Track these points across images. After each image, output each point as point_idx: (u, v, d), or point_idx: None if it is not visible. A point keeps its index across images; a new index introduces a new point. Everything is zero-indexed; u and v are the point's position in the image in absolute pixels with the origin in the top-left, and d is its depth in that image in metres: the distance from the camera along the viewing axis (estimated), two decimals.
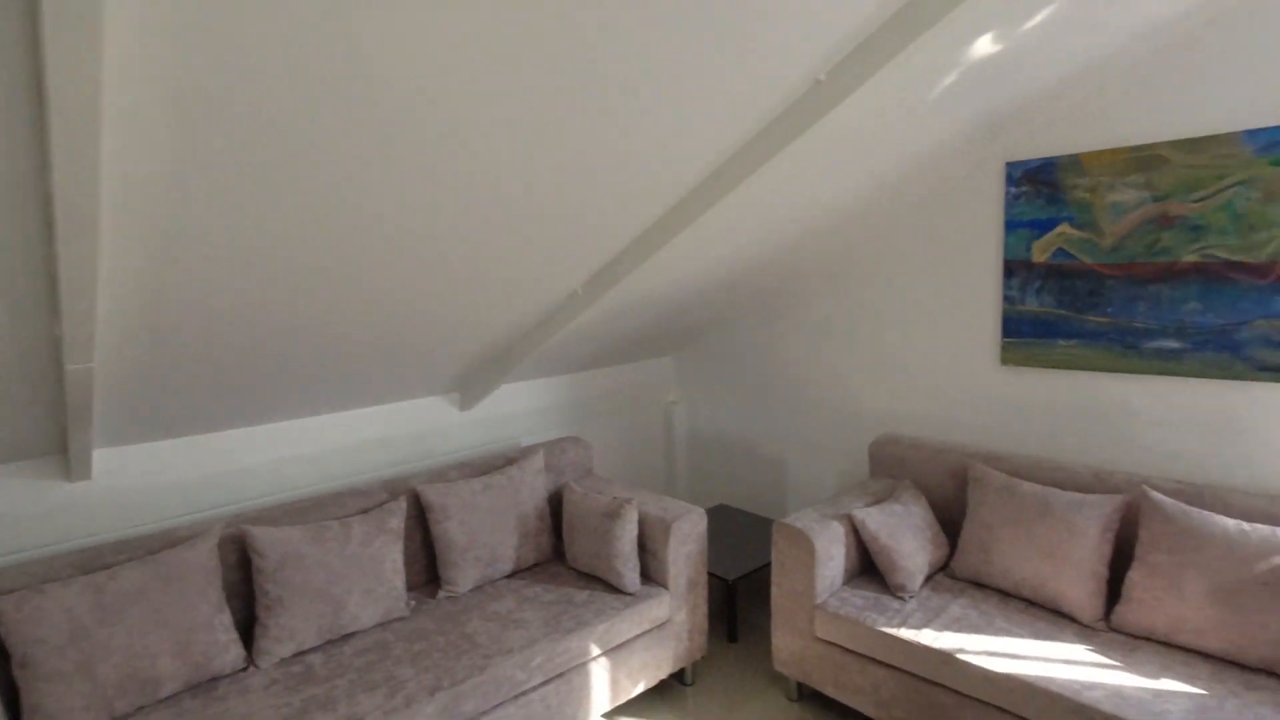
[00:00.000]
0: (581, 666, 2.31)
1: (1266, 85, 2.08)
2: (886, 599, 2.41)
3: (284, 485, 2.62)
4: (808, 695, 2.65)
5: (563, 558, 2.81)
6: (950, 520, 2.73)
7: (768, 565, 3.06)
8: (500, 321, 2.49)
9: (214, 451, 2.45)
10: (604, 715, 2.56)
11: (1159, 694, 1.87)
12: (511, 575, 2.65)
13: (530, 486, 2.73)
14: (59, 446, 2.12)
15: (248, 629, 2.23)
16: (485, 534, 2.55)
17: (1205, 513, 2.10)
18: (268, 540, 2.17)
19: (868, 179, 2.41)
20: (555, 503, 2.92)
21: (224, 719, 1.86)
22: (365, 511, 2.45)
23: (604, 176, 1.80)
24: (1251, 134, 2.10)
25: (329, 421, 2.70)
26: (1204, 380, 2.29)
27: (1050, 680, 1.95)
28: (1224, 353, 2.23)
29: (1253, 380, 2.19)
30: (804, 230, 2.69)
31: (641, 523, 2.61)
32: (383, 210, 1.60)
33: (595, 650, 2.33)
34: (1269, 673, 1.93)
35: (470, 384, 3.01)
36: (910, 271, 2.95)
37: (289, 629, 2.13)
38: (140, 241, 1.39)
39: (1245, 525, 2.03)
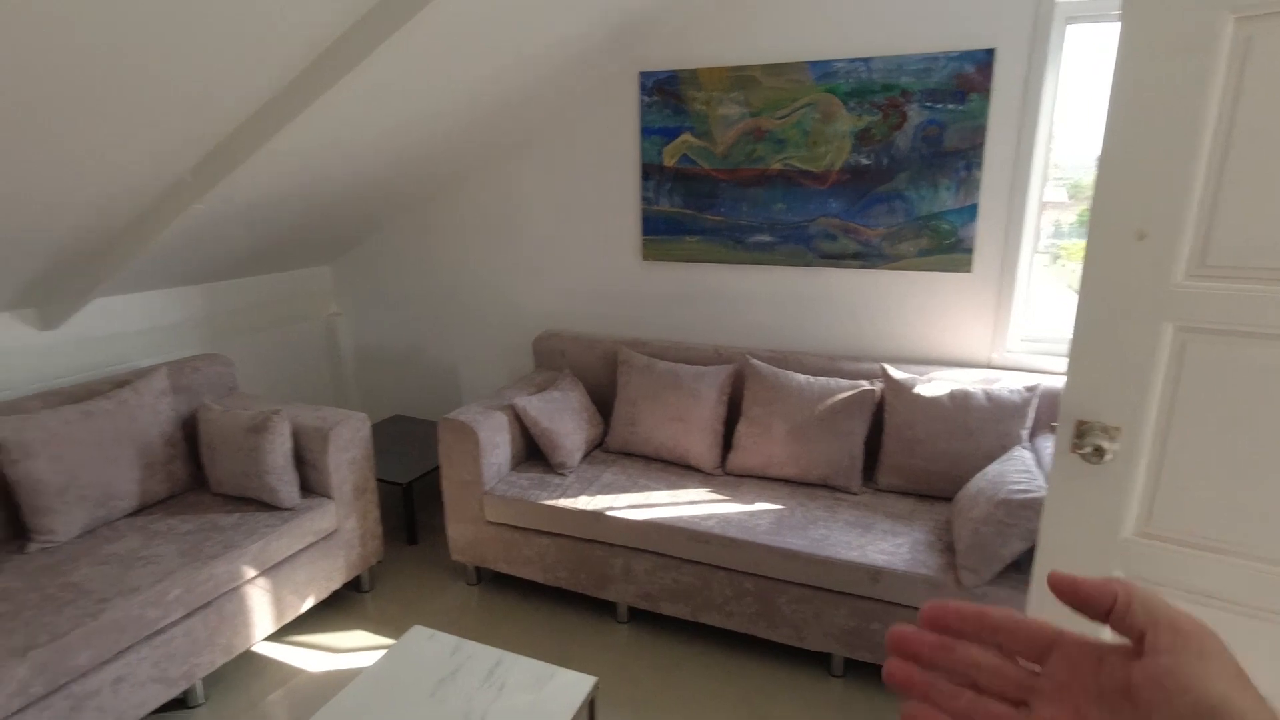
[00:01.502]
0: (234, 591, 2.13)
1: (822, 25, 2.55)
2: (550, 477, 2.63)
3: None
4: (486, 578, 2.80)
5: (205, 485, 2.51)
6: (604, 402, 3.04)
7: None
8: (82, 209, 2.04)
9: None
10: (272, 636, 2.42)
11: (754, 514, 2.37)
12: (137, 512, 2.30)
13: (152, 410, 2.35)
14: None
15: None
16: (91, 470, 2.15)
17: (787, 372, 2.65)
18: None
19: (514, 69, 2.43)
20: (190, 427, 2.57)
21: None
22: None
23: (202, 35, 1.54)
24: (814, 64, 2.58)
25: None
26: (787, 268, 2.84)
27: (677, 519, 2.34)
28: (799, 245, 2.78)
29: (817, 266, 2.78)
30: (452, 125, 2.64)
31: (298, 434, 2.43)
32: None
33: (250, 572, 2.16)
34: (823, 485, 2.56)
35: (50, 297, 2.43)
36: (565, 175, 3.10)
37: None
38: None
39: (810, 378, 2.62)
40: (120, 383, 2.43)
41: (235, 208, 2.36)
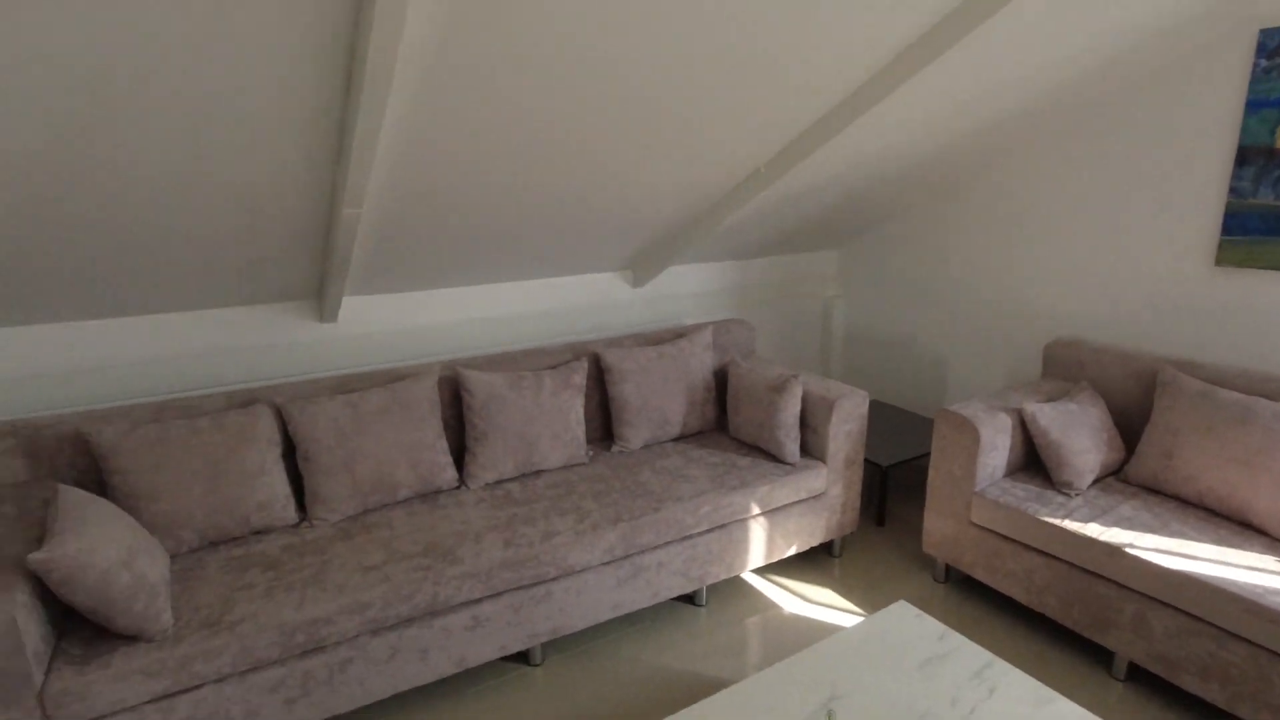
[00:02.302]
0: (742, 522, 2.52)
1: None
2: (1050, 493, 2.41)
3: (483, 342, 2.97)
4: (955, 579, 2.73)
5: (725, 428, 3.00)
6: (1127, 426, 2.62)
7: (920, 457, 3.11)
8: (687, 191, 2.58)
9: (433, 307, 2.82)
10: (756, 570, 2.80)
11: None
12: (678, 439, 2.89)
13: (699, 359, 2.90)
14: (315, 292, 2.52)
15: (459, 457, 2.62)
16: (656, 398, 2.77)
17: None
18: (477, 381, 2.50)
19: (1091, 45, 2.21)
20: (719, 378, 3.09)
21: (447, 521, 2.25)
22: (553, 368, 2.73)
23: (802, 36, 1.80)
24: None
25: (522, 288, 3.00)
26: None
27: (1230, 582, 1.91)
28: None
29: None
30: (999, 111, 2.54)
31: (804, 400, 2.72)
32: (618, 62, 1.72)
33: (755, 509, 2.53)
34: None
35: (642, 263, 3.17)
36: (1112, 165, 2.72)
37: (492, 459, 2.48)
38: (421, 103, 1.60)
39: None
40: (678, 334, 3.06)
41: (786, 197, 2.72)
